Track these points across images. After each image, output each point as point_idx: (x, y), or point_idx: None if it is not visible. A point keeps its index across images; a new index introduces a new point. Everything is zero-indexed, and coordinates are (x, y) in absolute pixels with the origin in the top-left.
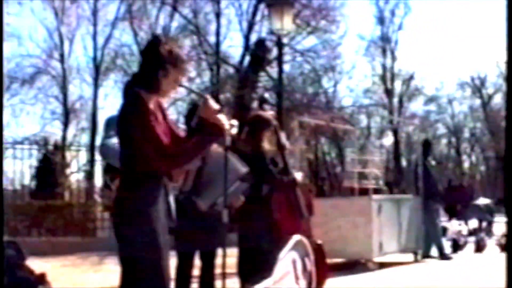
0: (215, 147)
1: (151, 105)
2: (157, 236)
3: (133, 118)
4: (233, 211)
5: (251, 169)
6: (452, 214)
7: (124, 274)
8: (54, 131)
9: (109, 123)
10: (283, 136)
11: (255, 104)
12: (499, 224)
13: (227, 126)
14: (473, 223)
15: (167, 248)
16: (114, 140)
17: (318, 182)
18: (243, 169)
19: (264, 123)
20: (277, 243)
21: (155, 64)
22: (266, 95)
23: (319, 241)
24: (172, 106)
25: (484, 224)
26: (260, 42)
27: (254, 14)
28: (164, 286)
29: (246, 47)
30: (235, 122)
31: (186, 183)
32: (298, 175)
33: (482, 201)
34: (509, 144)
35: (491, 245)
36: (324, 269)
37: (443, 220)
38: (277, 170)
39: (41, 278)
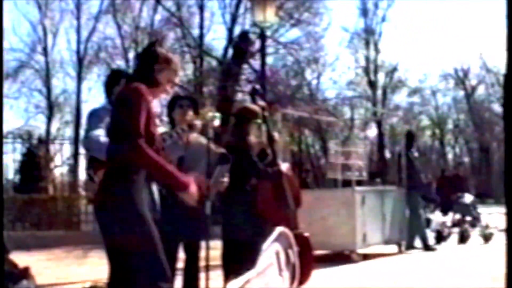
0: (195, 136)
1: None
2: (145, 225)
3: (129, 103)
4: (219, 197)
5: (237, 161)
6: (448, 208)
7: (112, 267)
8: (38, 125)
9: (92, 115)
10: (272, 128)
11: (238, 96)
12: (482, 215)
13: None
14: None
15: (158, 238)
16: (98, 132)
17: (302, 174)
18: (218, 150)
19: (251, 116)
20: (262, 235)
21: (153, 62)
22: (257, 86)
23: (306, 234)
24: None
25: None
26: (243, 34)
27: (237, 6)
28: (156, 276)
29: (230, 39)
30: (217, 114)
31: None
32: (284, 166)
33: (468, 198)
34: (508, 141)
35: (475, 236)
36: (310, 262)
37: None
38: (266, 162)
39: (25, 272)
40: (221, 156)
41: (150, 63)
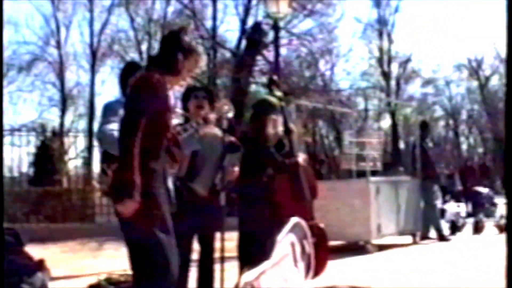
0: (210, 128)
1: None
2: (162, 217)
3: (148, 89)
4: (230, 185)
5: (254, 152)
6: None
7: (132, 258)
8: (52, 118)
9: (106, 109)
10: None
11: (252, 88)
12: (498, 205)
13: None
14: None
15: (172, 232)
16: (112, 126)
17: (316, 165)
18: (228, 138)
19: (269, 108)
20: (279, 226)
21: (176, 49)
22: (275, 76)
23: (321, 225)
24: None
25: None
26: (257, 25)
27: None
28: (172, 268)
29: (243, 31)
30: (231, 106)
31: (181, 168)
32: (301, 157)
33: (482, 190)
34: (509, 136)
35: (490, 226)
36: (325, 253)
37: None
38: (283, 153)
39: (40, 264)
40: (230, 145)
41: (173, 50)
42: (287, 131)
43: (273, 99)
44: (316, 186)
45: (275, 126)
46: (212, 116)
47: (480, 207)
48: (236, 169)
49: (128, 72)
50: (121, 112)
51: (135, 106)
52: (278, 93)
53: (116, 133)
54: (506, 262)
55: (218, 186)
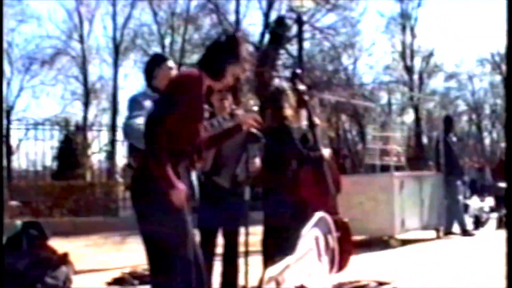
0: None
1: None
2: (180, 214)
3: (188, 90)
4: (252, 176)
5: (278, 145)
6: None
7: (149, 252)
8: (75, 112)
9: (132, 102)
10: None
11: (275, 82)
12: None
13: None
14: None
15: (191, 226)
16: (139, 121)
17: (339, 160)
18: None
19: (283, 95)
20: (303, 220)
21: (225, 57)
22: (298, 70)
23: (345, 219)
24: None
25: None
26: (280, 19)
27: None
28: (190, 264)
29: (266, 25)
30: (255, 107)
31: (206, 164)
32: (326, 152)
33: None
34: (509, 135)
35: None
36: (349, 247)
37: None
38: (307, 147)
39: (64, 258)
40: (250, 135)
41: (221, 57)
42: (311, 124)
43: (284, 86)
44: (340, 180)
45: (297, 117)
46: (239, 112)
47: (503, 203)
48: (257, 160)
49: (153, 64)
50: (147, 104)
51: (169, 101)
52: (302, 87)
53: (142, 127)
54: (506, 262)
55: (239, 177)
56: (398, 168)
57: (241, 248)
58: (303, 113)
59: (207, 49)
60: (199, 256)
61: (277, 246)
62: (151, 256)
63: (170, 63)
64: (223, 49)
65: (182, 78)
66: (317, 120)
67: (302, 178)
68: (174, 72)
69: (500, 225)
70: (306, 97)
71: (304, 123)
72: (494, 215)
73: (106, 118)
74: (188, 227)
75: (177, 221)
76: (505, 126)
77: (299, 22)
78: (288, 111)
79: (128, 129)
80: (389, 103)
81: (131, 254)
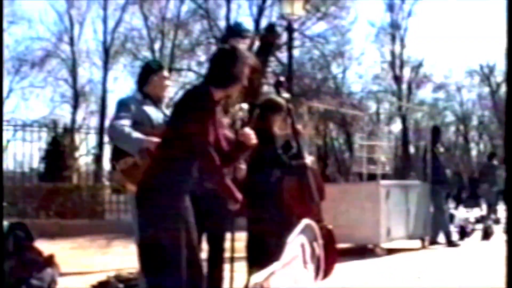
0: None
1: (215, 101)
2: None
3: (197, 109)
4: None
5: (261, 153)
6: None
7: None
8: (64, 114)
9: (120, 104)
10: (297, 121)
11: (264, 89)
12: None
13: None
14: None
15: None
16: (123, 122)
17: (327, 168)
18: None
19: (275, 108)
20: (287, 227)
21: (236, 70)
22: (282, 78)
23: (329, 226)
24: (181, 90)
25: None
26: (270, 27)
27: None
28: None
29: (256, 31)
30: (245, 105)
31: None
32: (309, 160)
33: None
34: (508, 136)
35: (498, 232)
36: (333, 254)
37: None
38: (290, 155)
39: (50, 260)
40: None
41: (228, 67)
42: (295, 132)
43: (279, 99)
44: (323, 188)
45: (283, 127)
46: (226, 121)
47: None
48: (243, 166)
49: (150, 70)
50: (134, 108)
51: (183, 119)
52: (286, 95)
53: (126, 129)
54: (506, 262)
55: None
56: (384, 177)
57: (227, 254)
58: (288, 121)
59: (213, 59)
60: (200, 264)
61: (261, 252)
62: (149, 262)
63: (166, 72)
64: (226, 61)
65: (189, 95)
66: (300, 128)
67: (285, 185)
68: (168, 82)
69: (485, 236)
70: (290, 105)
71: (288, 130)
72: (479, 226)
73: (94, 121)
74: (192, 235)
75: (181, 228)
76: (505, 126)
77: (290, 29)
78: (275, 121)
79: (112, 130)
80: (377, 112)
81: (117, 257)
